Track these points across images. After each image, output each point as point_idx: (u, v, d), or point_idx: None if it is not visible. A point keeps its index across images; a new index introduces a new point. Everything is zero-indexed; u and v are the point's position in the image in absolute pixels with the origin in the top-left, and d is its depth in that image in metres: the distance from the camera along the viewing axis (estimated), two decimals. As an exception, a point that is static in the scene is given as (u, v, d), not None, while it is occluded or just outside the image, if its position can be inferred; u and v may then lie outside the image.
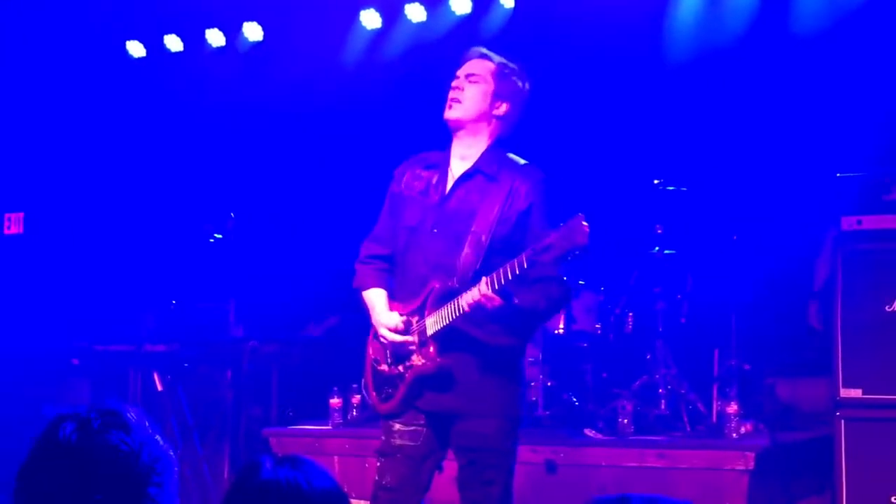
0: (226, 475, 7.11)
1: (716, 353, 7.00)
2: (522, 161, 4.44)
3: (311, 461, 2.39)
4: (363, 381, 4.57)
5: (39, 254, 8.27)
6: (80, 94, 8.53)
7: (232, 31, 8.43)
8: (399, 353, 4.36)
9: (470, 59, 4.48)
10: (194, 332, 7.47)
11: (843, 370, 5.77)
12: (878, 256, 5.79)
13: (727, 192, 7.18)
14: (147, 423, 1.95)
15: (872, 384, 5.71)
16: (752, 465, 5.89)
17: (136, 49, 8.58)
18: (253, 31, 8.38)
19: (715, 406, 6.75)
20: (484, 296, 4.03)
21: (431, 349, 4.26)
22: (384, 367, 4.42)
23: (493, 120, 4.42)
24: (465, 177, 4.39)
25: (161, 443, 1.95)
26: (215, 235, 7.53)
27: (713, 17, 7.29)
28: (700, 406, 6.76)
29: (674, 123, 7.41)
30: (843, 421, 5.73)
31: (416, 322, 4.31)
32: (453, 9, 7.90)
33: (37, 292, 7.96)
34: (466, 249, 4.26)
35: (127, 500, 1.86)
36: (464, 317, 4.15)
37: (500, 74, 4.42)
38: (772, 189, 7.17)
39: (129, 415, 1.93)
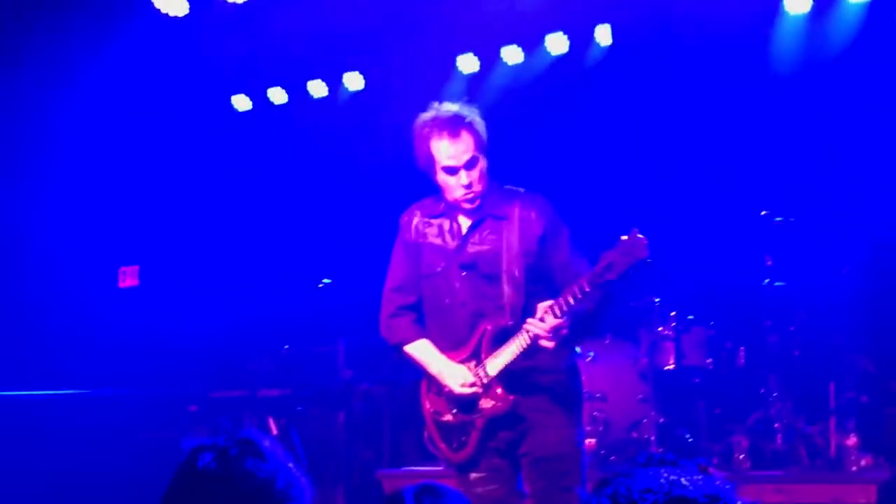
0: (340, 518, 7.15)
1: (831, 385, 6.85)
2: (520, 189, 4.51)
3: (447, 489, 2.42)
4: (426, 435, 4.57)
5: (154, 305, 8.49)
6: (188, 149, 8.79)
7: (333, 82, 8.61)
8: (464, 401, 4.39)
9: (442, 134, 4.35)
10: (306, 376, 7.57)
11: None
12: None
13: (837, 222, 7.05)
14: (281, 451, 2.00)
15: None
16: (874, 499, 5.75)
17: (241, 103, 8.82)
18: (354, 81, 8.55)
19: (833, 439, 6.60)
20: (557, 324, 4.09)
21: (499, 390, 4.32)
22: (448, 418, 4.45)
23: None
24: (477, 222, 4.46)
25: (294, 470, 2.00)
26: (324, 281, 7.67)
27: (818, 37, 7.19)
28: (818, 440, 6.61)
29: (781, 153, 7.32)
30: (968, 451, 5.57)
31: (475, 367, 4.36)
32: (549, 49, 7.96)
33: (153, 342, 8.16)
34: (506, 288, 4.34)
35: (264, 525, 1.92)
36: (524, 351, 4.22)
37: (480, 143, 4.38)
38: (884, 217, 7.02)
39: (264, 443, 1.99)
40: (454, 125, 4.37)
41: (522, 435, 4.35)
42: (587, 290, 4.07)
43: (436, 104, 4.47)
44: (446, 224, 4.51)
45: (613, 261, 4.01)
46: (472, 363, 4.38)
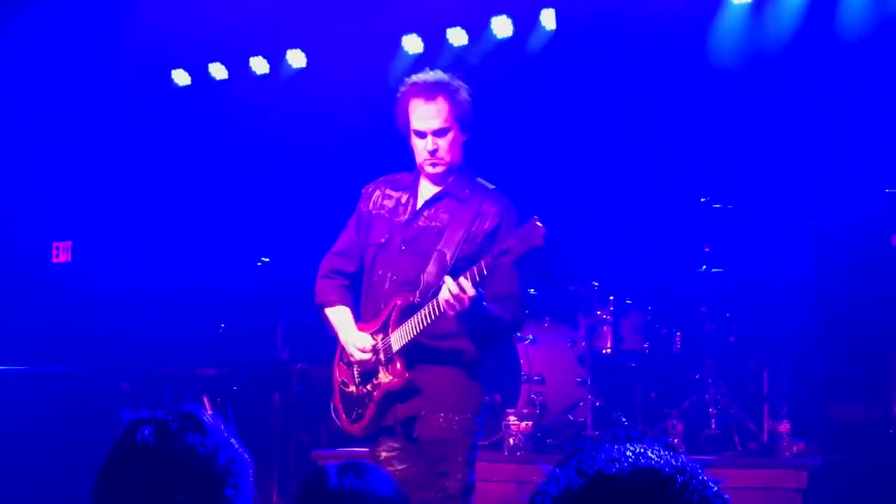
0: (274, 499, 7.10)
1: (765, 371, 6.94)
2: (491, 186, 4.52)
3: (372, 466, 2.41)
4: (332, 404, 4.60)
5: (88, 281, 8.35)
6: (126, 123, 8.64)
7: (276, 59, 8.51)
8: (366, 373, 4.42)
9: (419, 96, 4.37)
10: (243, 355, 7.51)
11: (897, 387, 5.71)
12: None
13: (775, 209, 7.12)
14: (223, 426, 1.96)
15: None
16: (805, 485, 5.82)
17: (181, 77, 8.68)
18: (296, 58, 8.46)
19: (766, 425, 6.69)
20: (454, 296, 4.03)
21: (398, 365, 4.34)
22: (352, 389, 4.48)
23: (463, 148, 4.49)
24: (436, 198, 4.48)
25: (236, 445, 1.96)
26: (262, 259, 7.59)
27: (758, 27, 7.25)
28: (751, 425, 6.70)
29: (721, 140, 7.38)
30: (898, 438, 5.67)
31: (381, 340, 4.38)
32: (495, 32, 7.93)
33: (86, 319, 8.03)
34: (431, 266, 4.35)
35: (204, 501, 1.87)
36: (429, 330, 4.21)
37: (456, 113, 4.38)
38: (821, 205, 7.11)
39: (205, 418, 1.95)
40: (432, 89, 4.38)
41: (416, 416, 4.35)
42: (485, 272, 4.07)
43: (427, 69, 4.48)
44: (403, 198, 4.53)
45: (511, 246, 4.04)
46: (381, 335, 4.40)
